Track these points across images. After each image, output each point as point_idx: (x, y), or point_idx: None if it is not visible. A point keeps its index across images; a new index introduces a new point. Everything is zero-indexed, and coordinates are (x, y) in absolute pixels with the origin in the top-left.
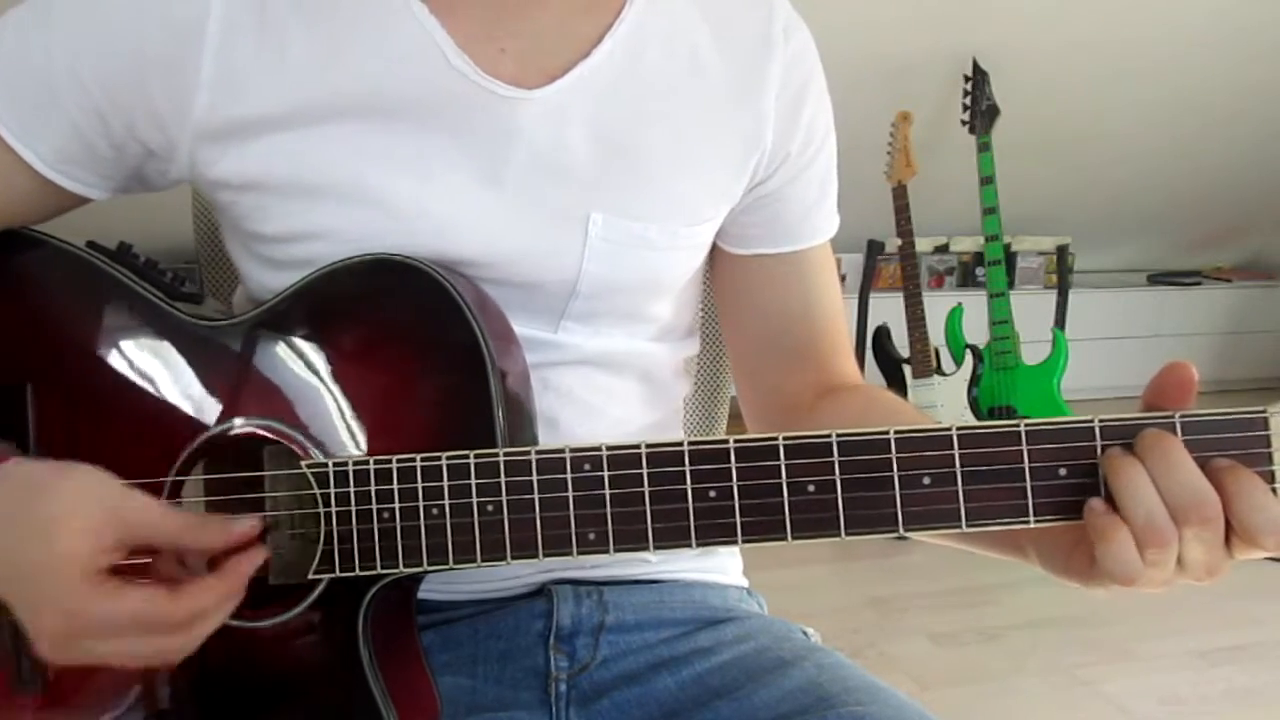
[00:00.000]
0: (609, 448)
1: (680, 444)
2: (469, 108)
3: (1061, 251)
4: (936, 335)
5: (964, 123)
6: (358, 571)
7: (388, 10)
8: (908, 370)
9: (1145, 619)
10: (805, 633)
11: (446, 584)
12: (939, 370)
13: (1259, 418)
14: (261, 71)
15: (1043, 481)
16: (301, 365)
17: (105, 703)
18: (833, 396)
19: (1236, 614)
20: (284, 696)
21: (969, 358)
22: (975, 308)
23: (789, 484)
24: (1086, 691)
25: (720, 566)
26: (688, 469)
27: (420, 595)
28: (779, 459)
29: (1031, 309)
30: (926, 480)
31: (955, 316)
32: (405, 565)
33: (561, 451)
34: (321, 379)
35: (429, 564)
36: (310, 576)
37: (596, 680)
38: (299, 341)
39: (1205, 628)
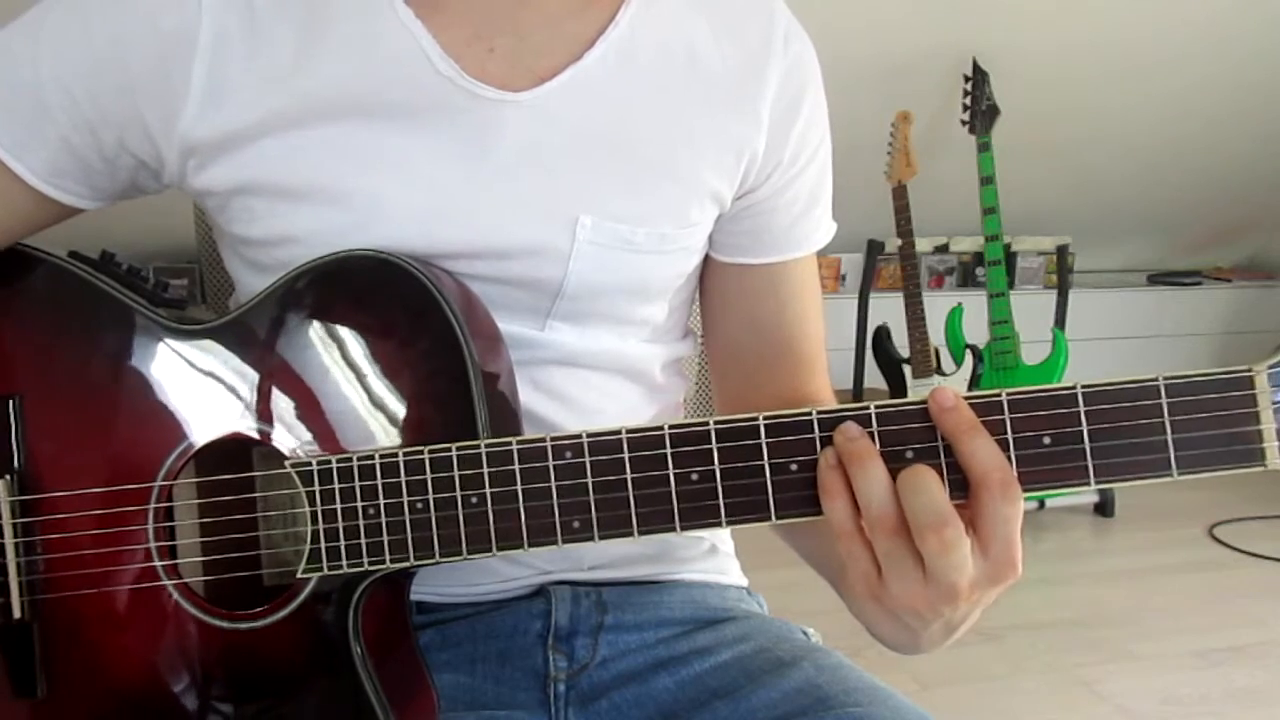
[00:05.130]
0: (589, 435)
1: (661, 428)
2: (454, 110)
3: (1061, 251)
4: (936, 335)
5: (964, 123)
6: (345, 569)
7: (372, 14)
8: (908, 370)
9: (1145, 619)
10: (805, 633)
11: (445, 586)
12: (939, 370)
13: (1244, 377)
14: (249, 78)
15: (1029, 450)
16: (285, 365)
17: (102, 706)
18: None
19: (1236, 614)
20: (280, 696)
21: (969, 358)
22: (975, 308)
23: (771, 464)
24: (1086, 691)
25: (720, 567)
26: (669, 452)
27: (419, 596)
28: (760, 438)
29: (1031, 309)
30: (909, 455)
31: (955, 316)
32: (392, 560)
33: (542, 440)
34: (305, 378)
35: (415, 558)
36: (299, 575)
37: (595, 680)
38: (280, 341)
39: (1205, 628)
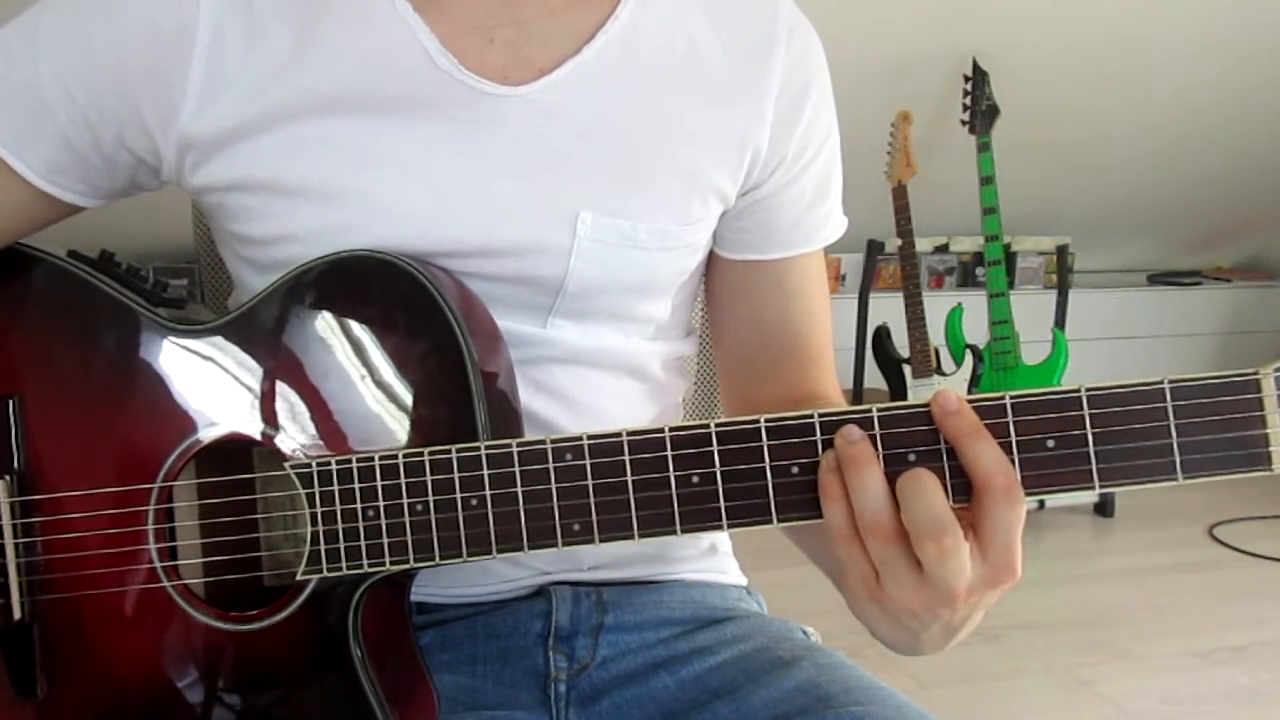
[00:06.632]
0: (590, 437)
1: (661, 430)
2: (453, 105)
3: (1061, 251)
4: (936, 335)
5: (964, 123)
6: (344, 571)
7: (369, 8)
8: (908, 370)
9: (1145, 619)
10: (805, 632)
11: (445, 586)
12: (939, 370)
13: (1250, 380)
14: (246, 74)
15: (1033, 453)
16: (284, 366)
17: (102, 707)
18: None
19: (1236, 614)
20: (280, 698)
21: (969, 358)
22: (975, 308)
23: (772, 466)
24: (1086, 691)
25: (720, 566)
26: (669, 455)
27: (419, 597)
28: (761, 441)
29: (1031, 309)
30: (911, 458)
31: (955, 316)
32: (391, 562)
33: (543, 442)
34: (304, 379)
35: (415, 560)
36: (299, 577)
37: (596, 680)
38: (280, 342)
39: (1205, 628)
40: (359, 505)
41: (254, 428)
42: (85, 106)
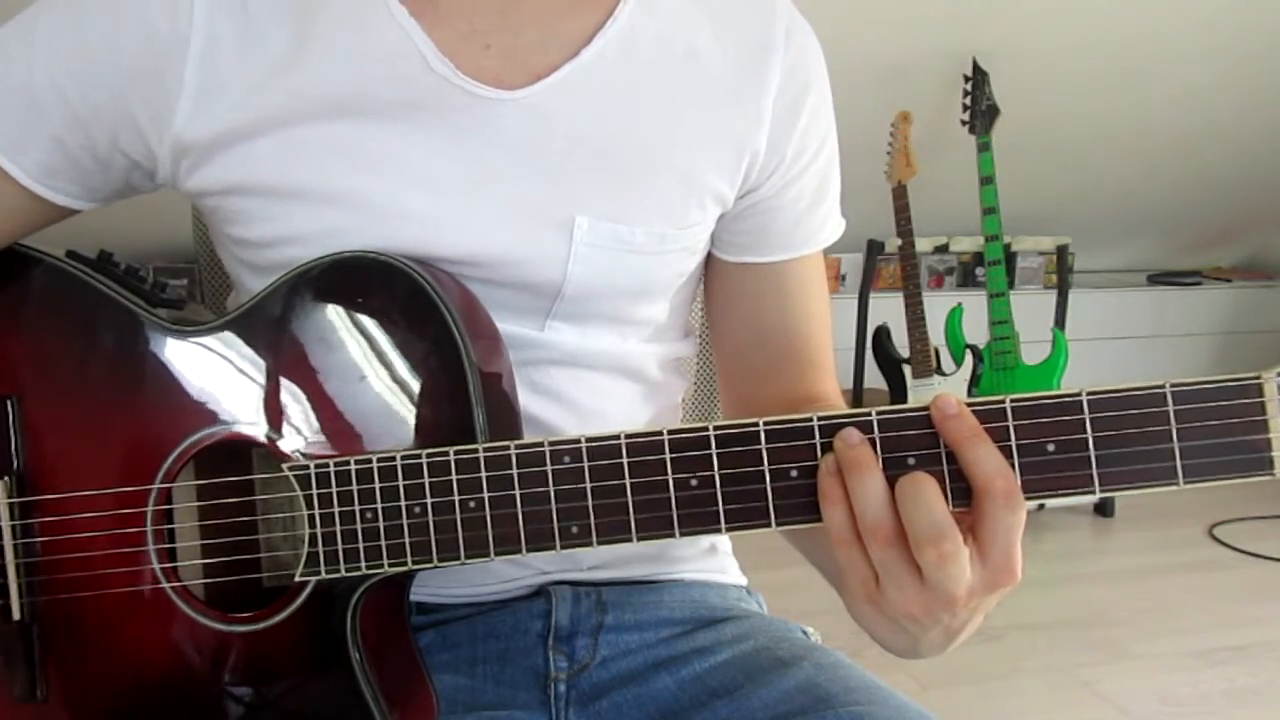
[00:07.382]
0: (588, 439)
1: (660, 433)
2: (450, 109)
3: (1061, 251)
4: (936, 335)
5: (964, 123)
6: (343, 572)
7: (366, 12)
8: (908, 370)
9: (1145, 619)
10: (805, 632)
11: (445, 586)
12: (939, 370)
13: (1253, 384)
14: (242, 78)
15: (1033, 458)
16: (283, 366)
17: (101, 708)
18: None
19: (1236, 614)
20: (279, 699)
21: (969, 358)
22: (975, 308)
23: (771, 469)
24: (1086, 691)
25: (720, 566)
26: (668, 457)
27: (419, 597)
28: (760, 444)
29: (1031, 309)
30: (911, 462)
31: (955, 316)
32: (390, 565)
33: (541, 444)
34: (302, 380)
35: (413, 562)
36: (298, 578)
37: (596, 680)
38: (278, 343)
39: (1205, 628)
40: (357, 507)
41: (252, 428)
42: (79, 109)
